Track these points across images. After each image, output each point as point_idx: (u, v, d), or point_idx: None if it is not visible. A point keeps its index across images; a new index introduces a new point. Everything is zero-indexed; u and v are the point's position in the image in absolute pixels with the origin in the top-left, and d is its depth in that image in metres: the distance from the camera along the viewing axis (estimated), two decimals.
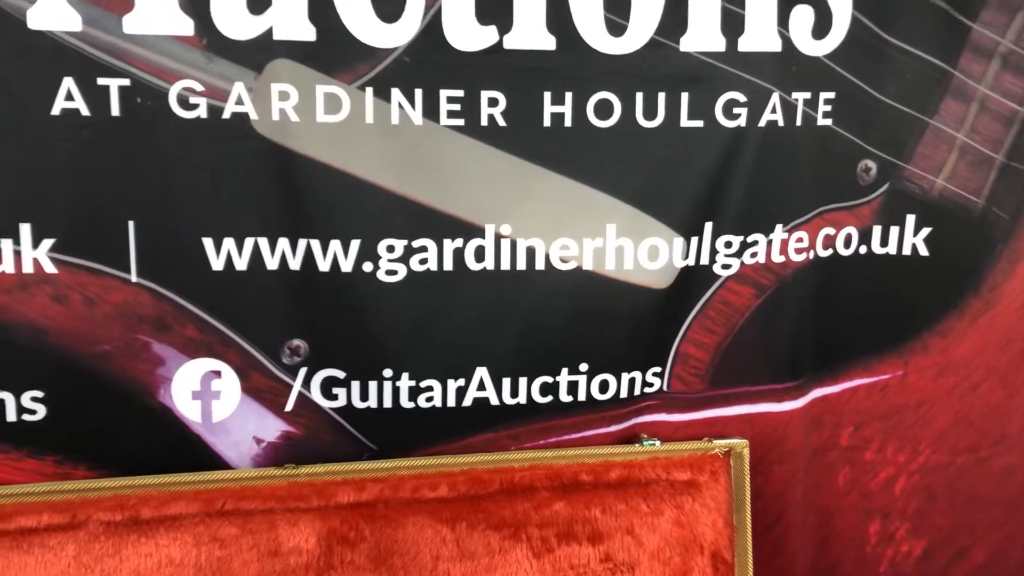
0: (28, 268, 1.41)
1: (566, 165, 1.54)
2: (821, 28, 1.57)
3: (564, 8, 1.49)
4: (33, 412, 1.46)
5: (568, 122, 1.52)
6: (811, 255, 1.67)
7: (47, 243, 1.41)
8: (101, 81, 1.38)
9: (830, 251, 1.68)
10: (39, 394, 1.46)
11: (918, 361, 1.75)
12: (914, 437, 1.79)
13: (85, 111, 1.38)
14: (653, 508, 1.60)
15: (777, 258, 1.65)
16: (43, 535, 1.42)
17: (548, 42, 1.49)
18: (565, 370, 1.61)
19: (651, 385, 1.65)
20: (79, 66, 1.37)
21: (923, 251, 1.70)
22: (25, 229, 1.40)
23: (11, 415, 1.45)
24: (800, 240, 1.65)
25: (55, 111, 1.38)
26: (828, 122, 1.61)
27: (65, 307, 1.43)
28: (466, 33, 1.47)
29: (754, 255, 1.63)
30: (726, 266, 1.63)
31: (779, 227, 1.63)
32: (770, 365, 1.70)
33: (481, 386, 1.59)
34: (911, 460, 1.80)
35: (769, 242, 1.63)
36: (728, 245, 1.62)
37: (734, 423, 1.69)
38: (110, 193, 1.42)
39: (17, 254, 1.40)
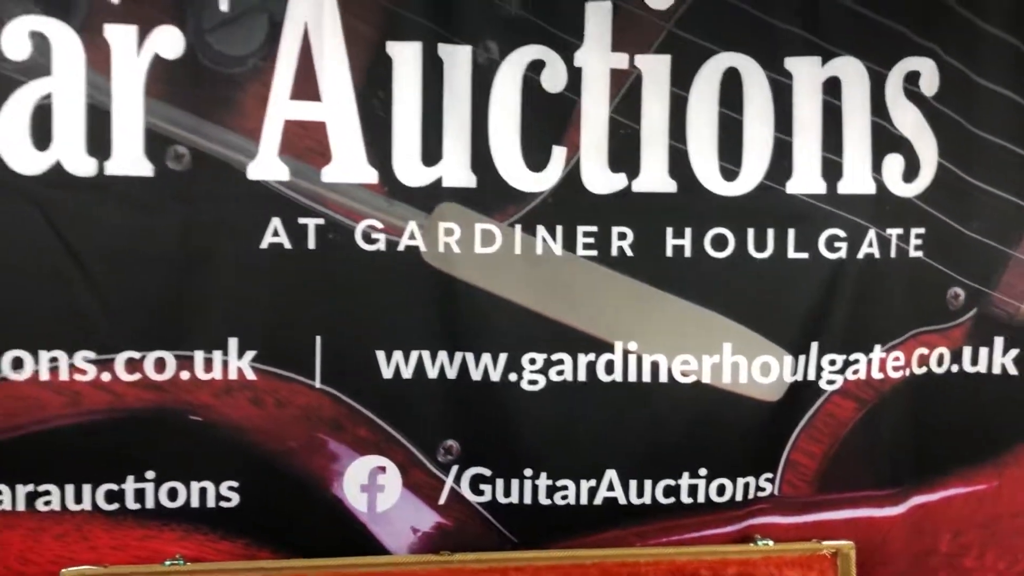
0: (233, 375, 1.64)
1: (686, 290, 1.72)
2: (910, 173, 1.75)
3: (684, 158, 1.70)
4: (228, 500, 1.66)
5: (688, 253, 1.72)
6: (907, 373, 1.80)
7: (250, 354, 1.64)
8: (301, 220, 1.63)
9: (924, 369, 1.81)
10: (235, 484, 1.66)
11: (1012, 472, 1.84)
12: (1012, 546, 1.86)
13: (287, 245, 1.63)
14: None
15: (877, 375, 1.79)
16: None
17: (670, 186, 1.71)
18: (686, 474, 1.75)
19: (763, 489, 1.78)
20: (284, 208, 1.62)
21: (1012, 370, 1.82)
22: (232, 342, 1.64)
23: (211, 502, 1.65)
24: (897, 359, 1.79)
25: (263, 245, 1.62)
26: (919, 254, 1.78)
27: (261, 409, 1.65)
28: (600, 179, 1.70)
29: (856, 372, 1.78)
30: (831, 382, 1.78)
31: (878, 347, 1.78)
32: (872, 473, 1.82)
33: (611, 486, 1.74)
34: (1010, 568, 1.87)
35: (869, 361, 1.78)
36: (832, 363, 1.77)
37: (840, 526, 1.80)
38: (302, 312, 1.65)
39: (225, 363, 1.63)
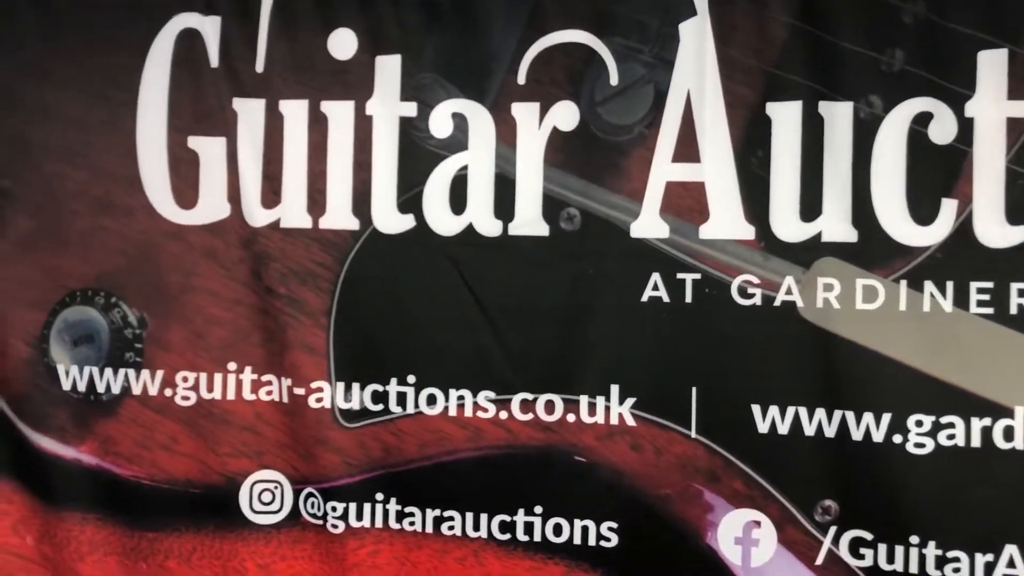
0: (614, 420, 1.66)
1: None
2: None
3: None
4: (608, 539, 1.67)
5: None
6: None
7: (630, 401, 1.66)
8: (679, 275, 1.64)
9: None
10: (614, 525, 1.67)
11: None
12: None
13: (666, 299, 1.64)
14: None
15: None
16: None
17: None
18: None
19: None
20: (664, 264, 1.64)
21: None
22: (615, 389, 1.67)
23: (591, 540, 1.67)
24: None
25: (644, 298, 1.65)
26: None
27: (639, 454, 1.66)
28: (996, 232, 1.54)
29: None
30: None
31: None
32: None
33: (1011, 563, 1.53)
34: None
35: None
36: None
37: None
38: (679, 364, 1.65)
39: (607, 409, 1.66)
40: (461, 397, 1.72)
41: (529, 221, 1.69)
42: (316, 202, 1.77)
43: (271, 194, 1.79)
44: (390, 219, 1.74)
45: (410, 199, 1.73)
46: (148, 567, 1.84)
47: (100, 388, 1.85)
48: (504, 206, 1.70)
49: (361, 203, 1.75)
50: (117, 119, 1.81)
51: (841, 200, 1.58)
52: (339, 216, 1.77)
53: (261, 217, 1.79)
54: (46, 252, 1.85)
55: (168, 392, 1.82)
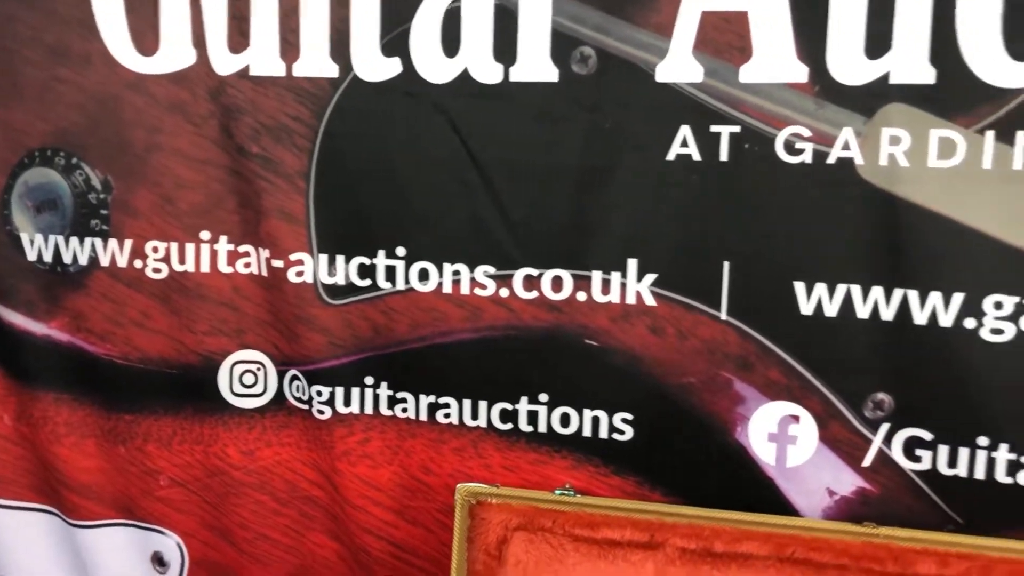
0: (631, 300, 1.33)
1: None
2: None
3: None
4: (622, 432, 1.37)
5: None
6: None
7: (650, 278, 1.32)
8: (714, 128, 1.27)
9: None
10: (629, 416, 1.37)
11: None
12: None
13: (696, 156, 1.28)
14: None
15: None
16: (626, 549, 1.32)
17: None
18: None
19: None
20: (695, 115, 1.27)
21: None
22: (632, 264, 1.33)
23: (603, 432, 1.37)
24: None
25: (670, 156, 1.28)
26: None
27: (660, 338, 1.33)
28: None
29: None
30: None
31: None
32: None
33: None
34: None
35: None
36: None
37: None
38: (710, 234, 1.30)
39: (623, 286, 1.33)
40: (457, 272, 1.39)
41: (534, 64, 1.31)
42: (289, 45, 1.41)
43: (239, 36, 1.42)
44: (373, 64, 1.38)
45: (395, 39, 1.37)
46: (127, 451, 1.59)
47: (67, 259, 1.55)
48: (505, 46, 1.33)
49: (340, 45, 1.39)
50: None
51: (917, 30, 1.18)
52: (315, 61, 1.41)
53: (229, 64, 1.43)
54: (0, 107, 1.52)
55: (138, 264, 1.53)
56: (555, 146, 1.33)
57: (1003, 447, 1.23)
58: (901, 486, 1.28)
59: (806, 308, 1.28)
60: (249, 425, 1.54)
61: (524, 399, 1.40)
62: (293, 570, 1.55)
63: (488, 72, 1.34)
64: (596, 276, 1.35)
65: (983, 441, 1.24)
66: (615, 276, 1.34)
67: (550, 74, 1.32)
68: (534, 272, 1.37)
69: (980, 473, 1.25)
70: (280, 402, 1.53)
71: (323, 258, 1.45)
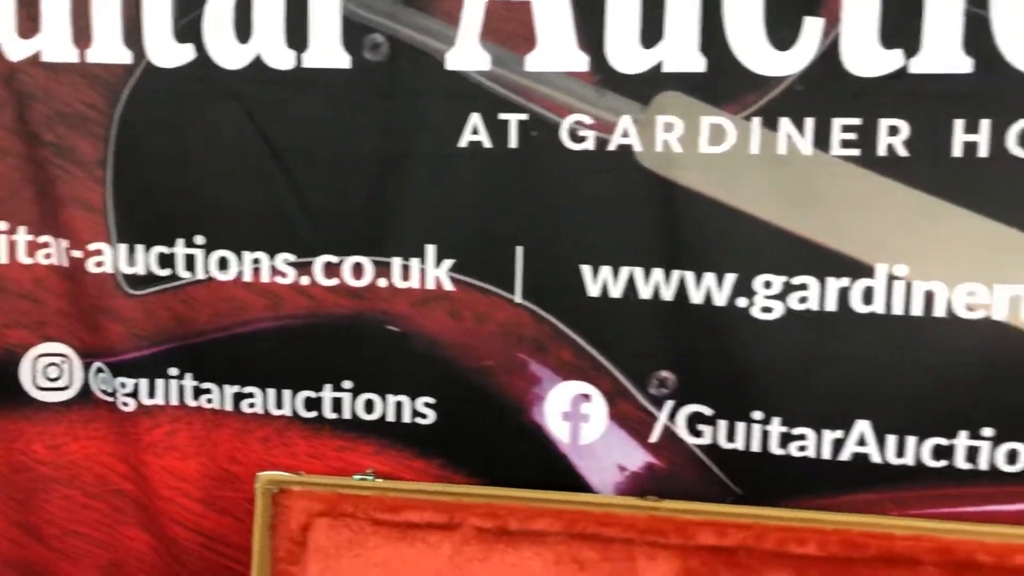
0: (431, 285, 1.34)
1: (978, 200, 1.18)
2: None
3: (984, 26, 1.13)
4: (424, 416, 1.38)
5: (983, 152, 1.15)
6: None
7: (447, 263, 1.33)
8: (502, 116, 1.28)
9: None
10: (431, 400, 1.37)
11: None
12: None
13: (487, 143, 1.29)
14: None
15: None
16: (425, 531, 1.32)
17: (964, 64, 1.15)
18: (964, 433, 1.22)
19: None
20: (484, 102, 1.28)
21: None
22: (430, 250, 1.33)
23: (406, 417, 1.38)
24: None
25: (462, 143, 1.29)
26: None
27: (458, 322, 1.34)
28: (866, 58, 1.18)
29: None
30: None
31: None
32: None
33: (862, 441, 1.25)
34: None
35: None
36: None
37: None
38: (503, 219, 1.32)
39: (422, 272, 1.33)
40: (256, 260, 1.37)
41: (327, 51, 1.30)
42: (81, 30, 1.36)
43: (28, 21, 1.37)
44: (166, 50, 1.36)
45: (188, 25, 1.34)
46: None
47: None
48: (297, 32, 1.31)
49: (133, 31, 1.36)
50: None
51: (687, 20, 1.21)
52: (108, 47, 1.38)
53: (19, 49, 1.38)
54: None
55: None
56: (351, 133, 1.33)
57: (775, 420, 1.28)
58: (686, 460, 1.32)
59: (593, 290, 1.31)
60: (56, 419, 1.50)
61: (328, 387, 1.40)
62: (105, 564, 1.52)
63: (280, 58, 1.33)
64: (396, 262, 1.36)
65: (757, 415, 1.29)
66: (414, 262, 1.35)
67: (342, 61, 1.32)
68: (334, 259, 1.37)
69: (756, 446, 1.29)
70: (87, 395, 1.49)
71: (122, 248, 1.41)
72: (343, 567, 1.34)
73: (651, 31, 1.23)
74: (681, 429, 1.32)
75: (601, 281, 1.30)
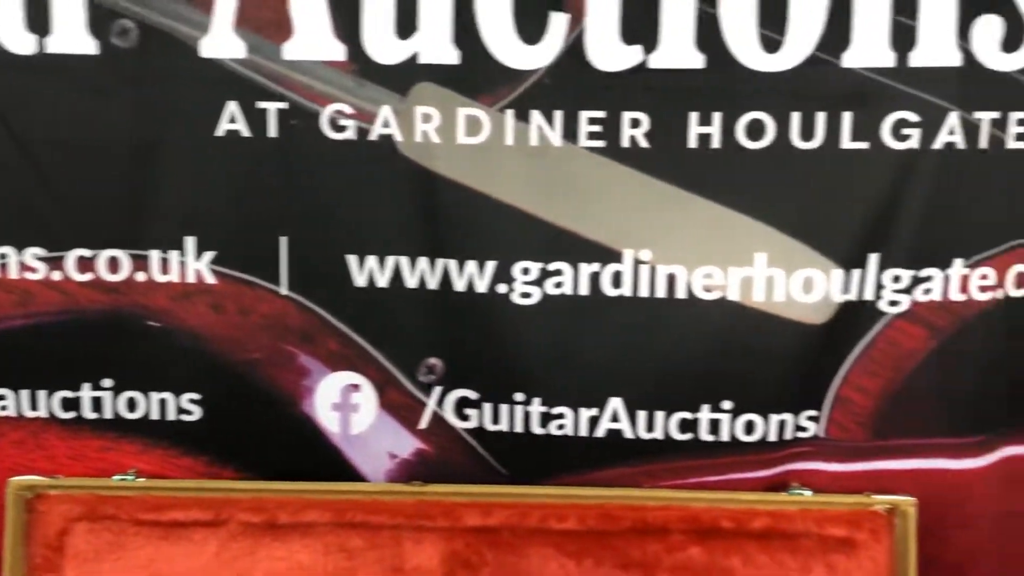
0: (191, 278, 1.30)
1: (712, 189, 1.25)
2: (1012, 40, 1.18)
3: (714, 25, 1.20)
4: (190, 413, 1.34)
5: (716, 144, 1.23)
6: (1000, 294, 1.25)
7: (208, 255, 1.29)
8: (260, 104, 1.26)
9: None
10: (196, 396, 1.34)
11: None
12: None
13: (246, 132, 1.26)
14: (800, 564, 1.25)
15: (956, 296, 1.26)
16: (190, 529, 1.29)
17: (696, 60, 1.22)
18: (706, 407, 1.29)
19: (804, 430, 1.30)
20: (242, 90, 1.25)
21: None
22: (190, 242, 1.29)
23: (171, 414, 1.34)
24: (985, 277, 1.25)
25: (219, 132, 1.25)
26: (1021, 145, 1.21)
27: (222, 316, 1.31)
28: (609, 53, 1.23)
29: (928, 292, 1.25)
30: (894, 303, 1.26)
31: (959, 262, 1.25)
32: (947, 416, 1.31)
33: (615, 417, 1.30)
34: None
35: (946, 278, 1.25)
36: (896, 280, 1.25)
37: (901, 478, 1.31)
38: (265, 210, 1.30)
39: (182, 265, 1.29)
40: (3, 255, 1.29)
41: (71, 36, 1.24)
42: None
43: None
44: None
45: None
46: None
47: None
48: (38, 15, 1.24)
49: None
50: None
51: (440, 11, 1.22)
52: None
53: None
54: None
55: None
56: (101, 122, 1.27)
57: (536, 401, 1.32)
58: (454, 444, 1.34)
59: (360, 280, 1.31)
60: None
61: (87, 386, 1.34)
62: None
63: (20, 42, 1.25)
64: (154, 255, 1.31)
65: (520, 397, 1.32)
66: (174, 255, 1.31)
67: (88, 46, 1.25)
68: (88, 253, 1.31)
69: (519, 427, 1.33)
70: None
71: None
72: (104, 571, 1.28)
73: (406, 22, 1.24)
74: (449, 414, 1.34)
75: (367, 271, 1.30)
